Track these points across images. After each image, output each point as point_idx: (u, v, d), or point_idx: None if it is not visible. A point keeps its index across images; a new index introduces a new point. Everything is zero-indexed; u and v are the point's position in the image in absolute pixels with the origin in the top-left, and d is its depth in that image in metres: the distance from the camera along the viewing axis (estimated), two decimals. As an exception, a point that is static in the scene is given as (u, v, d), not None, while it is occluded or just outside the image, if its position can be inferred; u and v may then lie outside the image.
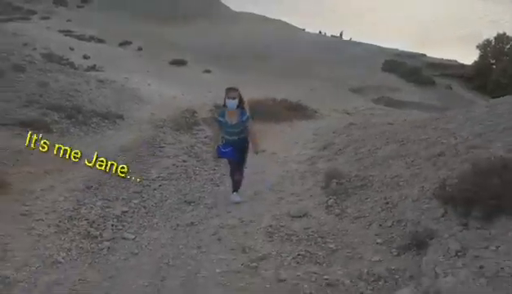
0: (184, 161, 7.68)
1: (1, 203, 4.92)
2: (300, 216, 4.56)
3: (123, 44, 26.46)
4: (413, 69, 21.63)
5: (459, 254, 3.02)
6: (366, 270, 3.24)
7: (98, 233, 4.36)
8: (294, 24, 35.94)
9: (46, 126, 8.20)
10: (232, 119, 5.09)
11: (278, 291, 3.05)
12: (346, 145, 7.59)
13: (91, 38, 26.68)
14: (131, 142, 8.48)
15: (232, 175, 5.40)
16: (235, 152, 5.20)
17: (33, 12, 34.81)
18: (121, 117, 10.47)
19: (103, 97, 11.81)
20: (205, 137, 9.61)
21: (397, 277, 3.10)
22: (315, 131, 10.45)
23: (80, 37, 26.32)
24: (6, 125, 7.79)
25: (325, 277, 3.22)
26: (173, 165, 7.28)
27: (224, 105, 5.10)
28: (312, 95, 19.63)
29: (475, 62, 24.48)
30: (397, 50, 26.95)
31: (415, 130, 6.81)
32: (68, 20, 31.99)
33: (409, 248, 3.39)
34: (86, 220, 4.70)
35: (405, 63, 22.60)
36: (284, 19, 35.82)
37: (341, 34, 34.94)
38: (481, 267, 2.80)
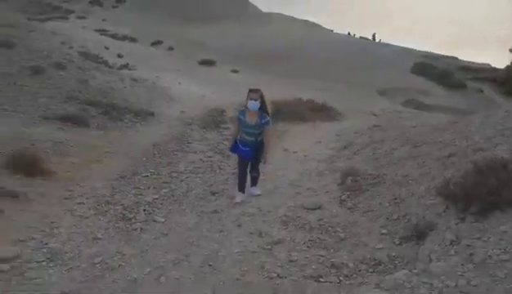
0: (210, 156, 8.21)
1: (47, 188, 5.59)
2: (314, 209, 4.97)
3: (155, 43, 27.46)
4: (444, 72, 21.40)
5: (453, 243, 3.36)
6: (368, 256, 3.62)
7: (132, 216, 4.94)
8: (322, 24, 36.14)
9: (84, 121, 8.93)
10: (252, 120, 5.17)
11: (288, 269, 3.49)
12: (365, 146, 7.90)
13: (124, 38, 27.84)
14: (161, 138, 9.10)
15: (243, 176, 5.49)
16: (253, 152, 5.31)
17: (71, 12, 36.57)
18: (152, 114, 11.14)
19: (136, 95, 12.56)
20: (230, 135, 10.13)
21: (396, 262, 3.47)
22: (337, 132, 10.74)
23: (114, 37, 27.50)
24: (48, 119, 8.56)
25: (332, 260, 3.63)
26: (200, 160, 7.82)
27: (246, 107, 5.22)
28: (339, 96, 19.82)
29: (507, 66, 23.90)
30: (427, 52, 26.65)
31: (433, 132, 7.05)
32: (103, 20, 33.44)
33: (410, 239, 3.76)
34: (121, 204, 5.29)
35: (435, 65, 22.37)
36: (313, 19, 36.03)
37: (374, 36, 34.62)
38: (471, 254, 3.15)
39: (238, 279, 3.34)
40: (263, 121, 5.18)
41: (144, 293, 3.24)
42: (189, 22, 32.66)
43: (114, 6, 38.57)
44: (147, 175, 6.67)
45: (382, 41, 31.19)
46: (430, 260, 3.24)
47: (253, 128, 5.22)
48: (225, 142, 9.62)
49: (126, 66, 19.65)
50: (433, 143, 6.24)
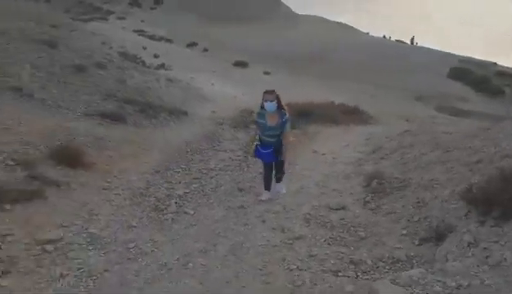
0: (239, 155, 8.50)
1: (87, 179, 6.04)
2: (338, 209, 5.14)
3: (190, 45, 28.25)
4: (481, 78, 20.81)
5: (470, 245, 3.46)
6: (387, 254, 3.77)
7: (164, 207, 5.28)
8: (358, 26, 35.87)
9: (122, 118, 9.45)
10: (272, 121, 5.17)
11: (308, 263, 3.69)
12: (394, 150, 7.95)
13: (161, 38, 28.81)
14: (193, 136, 9.49)
15: (268, 176, 5.58)
16: (274, 154, 5.32)
17: (111, 13, 38.16)
18: (185, 113, 11.60)
19: (171, 94, 13.08)
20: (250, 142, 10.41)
21: (413, 261, 3.61)
22: (368, 136, 10.76)
23: (151, 37, 28.52)
24: (89, 115, 9.13)
25: (351, 256, 3.81)
26: (229, 158, 8.12)
27: (262, 108, 5.20)
28: (372, 100, 19.72)
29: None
30: (466, 57, 25.93)
31: (464, 139, 7.03)
32: (141, 21, 34.69)
33: (429, 240, 3.87)
34: (154, 197, 5.66)
35: (473, 71, 21.76)
36: (349, 20, 35.82)
37: (412, 40, 33.91)
38: (487, 257, 3.24)
39: (260, 269, 3.58)
40: (284, 119, 5.18)
41: (173, 277, 3.54)
42: (224, 24, 33.31)
43: (152, 8, 39.89)
44: (179, 171, 7.03)
45: (419, 44, 30.49)
46: (447, 260, 3.36)
47: (274, 130, 5.23)
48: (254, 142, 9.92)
49: (162, 66, 20.40)
50: (463, 149, 6.24)
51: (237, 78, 19.65)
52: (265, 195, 5.62)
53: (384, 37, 34.42)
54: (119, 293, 3.32)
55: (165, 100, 12.00)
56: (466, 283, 2.99)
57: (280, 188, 5.73)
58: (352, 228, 4.51)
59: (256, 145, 5.46)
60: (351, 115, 14.12)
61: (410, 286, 3.06)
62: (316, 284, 3.33)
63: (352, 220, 4.75)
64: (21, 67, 9.80)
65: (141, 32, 30.19)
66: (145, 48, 24.12)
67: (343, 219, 4.80)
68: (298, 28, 31.79)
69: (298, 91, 19.31)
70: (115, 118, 9.26)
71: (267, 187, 5.65)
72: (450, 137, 7.69)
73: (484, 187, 4.08)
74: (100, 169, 6.52)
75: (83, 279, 3.51)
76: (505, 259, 3.14)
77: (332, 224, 4.62)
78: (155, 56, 22.76)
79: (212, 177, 6.83)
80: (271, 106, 5.09)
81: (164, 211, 5.15)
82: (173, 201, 5.54)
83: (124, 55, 18.60)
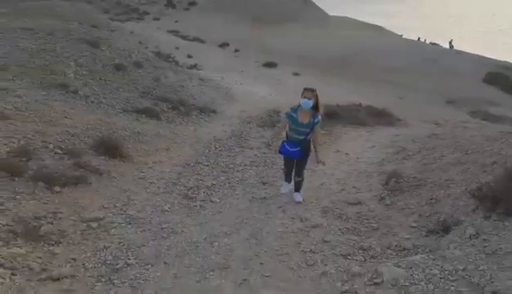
0: (264, 152, 8.93)
1: (125, 169, 6.68)
2: (355, 204, 5.50)
3: (222, 45, 28.94)
4: (518, 83, 20.35)
5: (472, 237, 3.77)
6: (395, 243, 4.13)
7: (193, 195, 5.82)
8: (393, 28, 35.51)
9: (156, 115, 10.13)
10: (304, 119, 5.20)
11: (321, 247, 4.10)
12: (417, 152, 8.17)
13: (194, 39, 29.68)
14: (222, 133, 10.03)
15: (289, 171, 5.66)
16: (301, 152, 5.34)
17: (147, 13, 39.55)
18: (215, 111, 12.18)
19: (202, 93, 13.71)
20: (274, 135, 10.82)
21: (418, 249, 3.95)
22: (393, 138, 10.93)
23: (185, 38, 29.46)
24: (127, 111, 9.85)
25: (361, 244, 4.19)
26: (255, 155, 8.58)
27: (299, 105, 5.23)
28: (402, 103, 19.66)
29: None
30: (503, 61, 25.29)
31: (486, 142, 7.20)
32: (176, 22, 35.79)
33: (436, 232, 4.19)
34: (184, 186, 6.21)
35: (508, 76, 21.27)
36: (384, 22, 35.54)
37: (451, 44, 32.79)
38: (485, 247, 3.55)
39: (277, 250, 4.02)
40: (316, 120, 5.23)
41: (200, 253, 4.04)
42: (256, 24, 33.88)
43: (186, 9, 41.02)
44: (208, 165, 7.56)
45: (457, 48, 29.87)
46: (448, 249, 3.68)
47: (304, 127, 5.24)
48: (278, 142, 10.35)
49: (194, 66, 21.14)
50: (482, 151, 6.45)
51: (266, 79, 20.11)
52: (285, 187, 5.85)
53: (419, 39, 34.00)
54: (155, 261, 3.85)
55: (197, 98, 12.63)
56: (462, 268, 3.32)
57: (297, 197, 5.62)
58: (365, 220, 4.87)
59: (283, 142, 5.48)
60: (378, 117, 14.17)
61: (411, 268, 3.42)
62: (326, 265, 3.74)
63: (366, 213, 5.10)
64: (67, 65, 10.67)
65: (175, 32, 31.23)
66: (178, 48, 25.00)
67: (358, 212, 5.16)
68: (329, 30, 31.93)
69: (326, 93, 19.51)
70: (150, 115, 9.95)
71: (288, 179, 5.83)
72: (471, 140, 7.85)
73: (492, 186, 4.35)
74: (136, 160, 7.16)
75: (124, 251, 4.07)
76: (501, 248, 3.45)
77: (347, 216, 4.99)
78: (188, 56, 23.56)
79: (238, 171, 7.31)
80: (307, 103, 5.10)
81: (193, 199, 5.67)
82: (202, 191, 6.06)
83: (159, 54, 19.45)
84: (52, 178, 5.35)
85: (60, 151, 6.34)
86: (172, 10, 40.79)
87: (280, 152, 5.61)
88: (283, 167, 6.08)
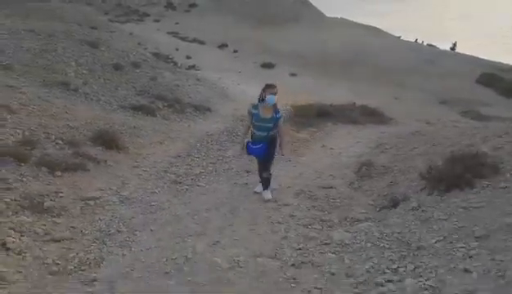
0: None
1: (121, 158, 7.41)
2: (326, 188, 6.19)
3: (221, 46, 29.77)
4: (510, 84, 20.96)
5: (414, 208, 4.47)
6: (351, 216, 4.83)
7: (181, 181, 6.54)
8: (392, 29, 36.22)
9: (152, 112, 10.89)
10: (266, 114, 5.32)
11: (287, 220, 4.81)
12: (393, 146, 8.87)
13: (194, 40, 30.52)
14: (215, 129, 10.75)
15: (260, 173, 5.68)
16: (265, 149, 5.42)
17: (147, 15, 40.48)
18: (210, 109, 12.94)
19: (198, 92, 14.47)
20: (240, 135, 11.46)
21: (369, 220, 4.64)
22: (380, 135, 11.62)
23: (184, 39, 30.31)
24: (124, 108, 10.61)
25: (323, 217, 4.89)
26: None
27: (260, 100, 5.36)
28: (396, 103, 20.36)
29: None
30: (497, 63, 25.94)
31: (457, 136, 7.88)
32: (176, 23, 36.67)
33: (387, 207, 4.89)
34: (174, 174, 6.93)
35: (503, 77, 21.91)
36: (383, 23, 36.16)
37: (454, 46, 33.24)
38: (421, 216, 4.25)
39: (248, 222, 4.73)
40: (278, 115, 5.38)
41: (181, 223, 4.76)
42: (255, 26, 34.70)
43: (186, 11, 41.94)
44: (198, 157, 8.28)
45: (457, 50, 30.52)
46: (391, 218, 4.38)
47: (266, 122, 5.34)
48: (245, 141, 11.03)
49: (193, 67, 21.95)
50: (448, 144, 7.14)
51: (262, 79, 20.79)
52: (259, 187, 5.86)
53: (416, 41, 34.68)
54: (143, 229, 4.57)
55: (192, 97, 13.40)
56: (398, 231, 4.03)
57: (266, 194, 5.64)
58: (332, 200, 5.57)
59: (247, 142, 5.56)
60: (370, 116, 14.81)
61: (356, 232, 4.14)
62: (288, 232, 4.44)
63: (334, 195, 5.80)
64: (68, 65, 11.46)
65: (174, 34, 32.11)
66: (177, 49, 25.83)
67: (327, 194, 5.85)
68: (326, 31, 32.69)
69: (322, 93, 20.26)
70: (147, 112, 10.72)
71: (266, 185, 5.75)
72: (445, 135, 8.53)
73: (439, 168, 5.05)
74: (131, 152, 7.90)
75: (116, 222, 4.79)
76: (433, 216, 4.15)
77: (317, 197, 5.69)
78: (187, 57, 24.37)
79: (226, 163, 8.02)
80: (273, 99, 5.24)
81: (181, 184, 6.40)
82: (190, 177, 6.79)
83: (157, 55, 20.25)
84: (54, 164, 6.09)
85: (61, 142, 7.08)
86: (173, 11, 41.70)
87: (247, 153, 5.65)
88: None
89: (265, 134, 5.43)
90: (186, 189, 6.17)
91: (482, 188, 4.42)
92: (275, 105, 5.39)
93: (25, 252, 3.80)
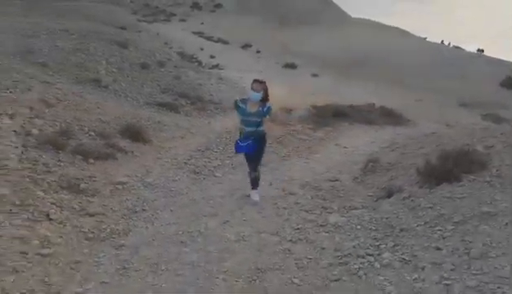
0: (270, 143, 10.24)
1: (146, 150, 8.18)
2: (332, 181, 6.77)
3: (244, 46, 30.50)
4: (536, 87, 20.80)
5: (405, 199, 5.00)
6: (349, 205, 5.39)
7: (200, 171, 7.23)
8: (419, 31, 36.09)
9: (175, 108, 11.68)
10: (252, 108, 5.35)
11: (292, 205, 5.42)
12: (403, 145, 9.32)
13: (218, 40, 31.38)
14: (234, 126, 11.39)
15: (250, 172, 5.70)
16: (253, 145, 5.41)
17: (174, 15, 41.68)
18: (229, 107, 13.63)
19: (219, 91, 15.21)
20: (293, 130, 12.09)
21: (364, 208, 5.20)
22: (395, 136, 12.05)
23: (209, 39, 31.20)
24: (150, 104, 11.44)
25: (324, 205, 5.47)
26: (261, 146, 9.93)
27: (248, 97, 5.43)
28: (416, 105, 20.54)
29: None
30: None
31: (464, 137, 8.29)
32: (201, 23, 37.66)
33: (383, 197, 5.42)
34: (194, 165, 7.63)
35: (528, 80, 21.75)
36: (410, 24, 35.99)
37: (481, 49, 32.83)
38: (409, 204, 4.78)
39: (257, 206, 5.37)
40: (265, 109, 5.37)
41: (198, 206, 5.44)
42: (279, 27, 35.29)
43: (211, 11, 42.95)
44: (217, 151, 8.95)
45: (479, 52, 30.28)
46: (383, 206, 4.93)
47: (253, 116, 5.36)
48: (287, 135, 11.62)
49: (216, 66, 22.74)
50: (453, 143, 7.56)
51: (284, 79, 21.39)
52: (254, 195, 5.71)
53: (442, 42, 34.47)
54: (163, 209, 5.29)
55: (214, 95, 14.14)
56: (386, 216, 4.58)
57: (254, 195, 5.65)
58: (335, 191, 6.14)
59: (236, 142, 5.62)
60: (388, 117, 15.12)
61: (350, 217, 4.72)
62: (291, 215, 5.06)
63: (338, 187, 6.37)
64: (99, 64, 12.39)
65: (199, 33, 33.07)
66: (202, 49, 26.70)
67: (332, 186, 6.43)
68: (350, 32, 32.95)
69: (342, 93, 20.66)
70: (170, 108, 11.52)
71: (255, 185, 5.80)
72: (453, 136, 8.93)
73: (433, 164, 5.55)
74: (155, 144, 8.67)
75: (141, 202, 5.53)
76: (420, 205, 4.68)
77: (321, 189, 6.27)
78: (211, 57, 25.19)
79: (241, 157, 8.67)
80: (255, 96, 5.31)
81: (200, 174, 7.10)
82: (208, 169, 7.48)
83: (182, 54, 21.15)
84: (87, 153, 6.89)
85: (93, 134, 7.90)
86: (198, 11, 42.77)
87: (236, 152, 5.75)
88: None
89: (253, 129, 5.42)
90: (204, 179, 6.86)
91: (468, 181, 4.91)
92: (262, 100, 5.37)
93: (65, 223, 4.55)
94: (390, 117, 15.26)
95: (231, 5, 42.45)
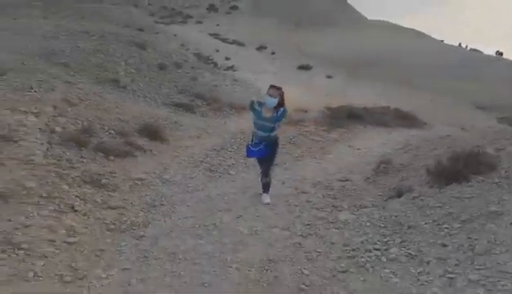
0: (283, 144, 10.45)
1: (163, 149, 8.46)
2: (343, 180, 6.93)
3: (259, 48, 30.75)
4: (555, 91, 20.53)
5: (414, 198, 5.15)
6: (359, 203, 5.56)
7: (215, 169, 7.49)
8: (436, 33, 35.84)
9: (192, 109, 11.97)
10: (267, 113, 5.38)
11: (303, 203, 5.61)
12: (416, 147, 9.42)
13: (233, 42, 31.71)
14: (247, 127, 11.64)
15: (261, 177, 5.70)
16: (265, 150, 5.43)
17: (190, 17, 42.23)
18: (244, 108, 13.85)
19: (234, 92, 15.48)
20: (306, 131, 12.27)
21: (374, 207, 5.36)
22: (409, 138, 12.11)
23: (225, 41, 31.55)
24: (167, 104, 11.76)
25: (335, 203, 5.65)
26: (274, 145, 10.15)
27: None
28: (431, 107, 20.49)
29: None
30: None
31: (477, 140, 8.37)
32: (217, 25, 38.09)
33: (393, 197, 5.57)
34: (209, 163, 7.89)
35: (546, 83, 21.47)
36: (427, 26, 35.75)
37: (500, 52, 32.35)
38: (418, 203, 4.93)
39: (270, 204, 5.58)
40: (279, 113, 5.38)
41: (212, 202, 5.69)
42: (294, 29, 35.48)
43: (227, 13, 43.38)
44: (231, 151, 9.20)
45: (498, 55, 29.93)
46: (393, 205, 5.09)
47: (267, 121, 5.39)
48: (299, 136, 11.80)
49: (231, 68, 23.02)
50: (464, 145, 7.65)
51: (298, 80, 21.60)
52: (265, 198, 5.72)
53: (460, 45, 34.15)
54: (181, 204, 5.55)
55: (229, 96, 14.39)
56: (395, 214, 4.74)
57: (265, 198, 5.65)
58: (346, 191, 6.31)
59: (247, 146, 5.63)
60: (402, 119, 15.11)
61: (360, 215, 4.89)
62: (302, 212, 5.25)
63: (349, 187, 6.53)
64: (118, 64, 12.77)
65: (215, 35, 33.48)
66: (217, 50, 27.04)
67: (343, 186, 6.59)
68: (367, 34, 32.94)
69: (357, 95, 20.74)
70: (187, 109, 11.81)
71: (266, 189, 5.82)
72: (466, 139, 8.99)
73: (443, 165, 5.68)
74: (172, 143, 8.95)
75: (159, 197, 5.81)
76: (429, 204, 4.82)
77: (333, 188, 6.45)
78: (226, 58, 25.50)
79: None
80: (271, 102, 5.34)
81: (215, 172, 7.36)
82: (222, 167, 7.73)
83: (198, 56, 21.49)
84: (108, 150, 7.20)
85: (113, 132, 8.22)
86: (214, 13, 43.25)
87: (247, 156, 5.79)
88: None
89: (266, 134, 5.46)
90: (219, 176, 7.11)
91: (477, 182, 5.04)
92: (278, 107, 5.40)
93: (89, 214, 4.84)
94: (405, 119, 15.25)
95: (247, 7, 42.82)
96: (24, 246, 3.82)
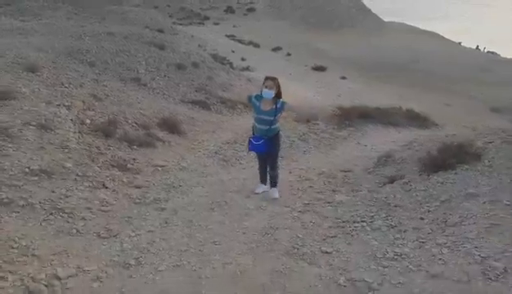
0: (293, 140, 11.21)
1: (181, 141, 9.31)
2: (345, 171, 7.63)
3: (275, 49, 31.53)
4: None
5: (404, 183, 5.83)
6: (356, 188, 6.26)
7: (228, 159, 8.29)
8: (455, 35, 36.05)
9: (207, 106, 12.81)
10: (266, 106, 5.36)
11: (306, 188, 6.35)
12: (420, 144, 10.02)
13: (249, 43, 32.57)
14: (260, 124, 12.44)
15: (263, 169, 5.88)
16: (267, 144, 5.43)
17: (208, 18, 43.33)
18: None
19: (248, 91, 16.25)
20: (317, 129, 12.96)
21: (369, 192, 6.05)
22: (417, 137, 12.68)
23: (241, 42, 32.44)
24: (184, 102, 12.62)
25: (334, 188, 6.37)
26: (283, 142, 10.87)
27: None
28: (445, 109, 20.93)
29: None
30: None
31: (474, 136, 8.96)
32: (234, 26, 39.04)
33: (386, 183, 6.26)
34: (222, 155, 8.69)
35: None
36: (445, 28, 35.98)
37: None
38: (406, 188, 5.62)
39: (277, 198, 6.32)
40: (278, 105, 5.33)
41: (224, 185, 6.47)
42: (310, 31, 36.16)
43: (244, 14, 44.33)
44: (243, 144, 9.93)
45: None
46: (384, 189, 5.78)
47: (267, 114, 5.37)
48: (310, 133, 12.51)
49: (247, 68, 23.85)
50: (460, 140, 8.27)
51: (312, 81, 22.29)
52: (259, 188, 6.03)
53: (477, 47, 34.30)
54: (196, 185, 6.36)
55: (243, 95, 15.19)
56: (385, 196, 5.45)
57: (274, 193, 5.80)
58: (347, 179, 7.01)
59: (249, 139, 5.66)
60: (413, 120, 15.55)
61: (354, 196, 5.61)
62: (303, 194, 5.99)
63: (350, 176, 7.23)
64: (139, 64, 13.72)
65: (232, 36, 34.43)
66: (233, 51, 27.93)
67: (345, 175, 7.30)
68: (382, 36, 33.41)
69: (370, 96, 21.32)
70: (203, 106, 12.66)
71: (263, 180, 6.11)
72: (466, 135, 9.58)
73: (434, 155, 6.34)
74: (189, 137, 9.79)
75: (177, 180, 6.63)
76: (416, 188, 5.52)
77: (335, 177, 7.16)
78: (242, 59, 26.36)
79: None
80: (268, 94, 5.29)
81: (227, 161, 8.16)
82: (234, 158, 8.53)
83: (215, 56, 22.38)
84: (132, 140, 8.07)
85: (135, 125, 9.10)
86: (232, 15, 44.26)
87: (248, 149, 5.75)
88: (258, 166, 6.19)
89: (266, 127, 5.43)
90: (231, 165, 7.91)
91: (462, 170, 5.70)
92: (275, 98, 5.37)
93: (117, 191, 5.69)
94: (415, 120, 15.69)
95: (264, 9, 43.73)
96: (67, 210, 4.68)
